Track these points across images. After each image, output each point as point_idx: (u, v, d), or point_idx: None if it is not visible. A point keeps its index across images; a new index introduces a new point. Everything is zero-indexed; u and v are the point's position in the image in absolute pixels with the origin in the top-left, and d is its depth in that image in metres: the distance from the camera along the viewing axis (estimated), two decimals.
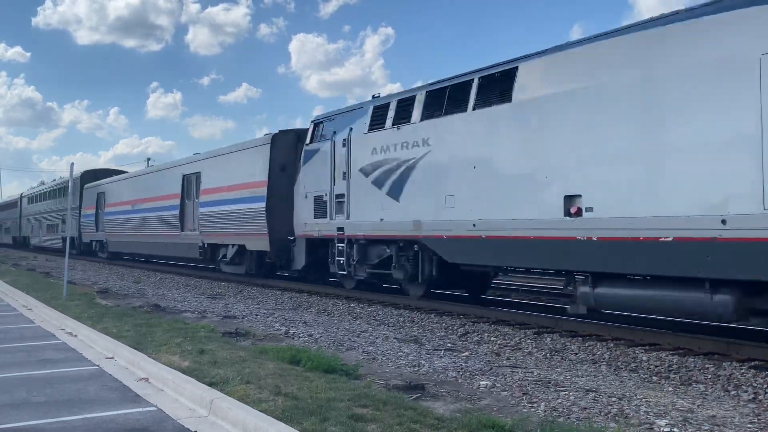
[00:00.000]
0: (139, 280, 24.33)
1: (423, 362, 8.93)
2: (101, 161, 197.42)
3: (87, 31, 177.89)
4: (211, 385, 7.04)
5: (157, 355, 8.83)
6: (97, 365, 8.86)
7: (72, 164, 17.84)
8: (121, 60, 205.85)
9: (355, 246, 16.76)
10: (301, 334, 11.29)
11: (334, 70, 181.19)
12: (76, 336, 11.13)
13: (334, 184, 17.24)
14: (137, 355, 8.86)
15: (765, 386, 8.00)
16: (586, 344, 10.76)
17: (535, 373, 8.39)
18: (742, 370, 8.69)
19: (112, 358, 9.20)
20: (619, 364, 9.54)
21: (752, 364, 8.94)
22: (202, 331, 10.85)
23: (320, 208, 17.84)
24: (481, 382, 7.70)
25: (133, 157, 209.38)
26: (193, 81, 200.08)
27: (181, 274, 27.57)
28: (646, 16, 12.24)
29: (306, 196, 18.50)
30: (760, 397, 7.64)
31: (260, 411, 5.97)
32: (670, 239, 9.40)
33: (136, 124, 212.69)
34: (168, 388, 7.38)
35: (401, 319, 14.05)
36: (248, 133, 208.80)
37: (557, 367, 9.21)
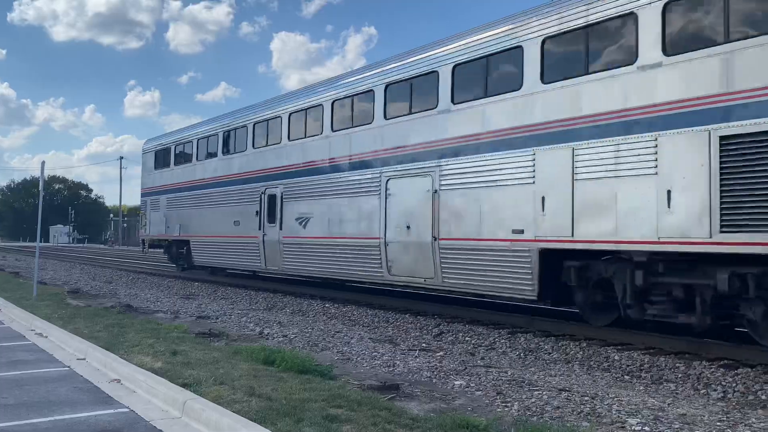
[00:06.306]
0: (111, 280, 24.06)
1: (398, 362, 8.94)
2: (74, 159, 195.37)
3: (64, 27, 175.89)
4: (184, 386, 6.98)
5: (129, 356, 8.74)
6: (68, 366, 8.74)
7: (43, 162, 17.54)
8: (99, 57, 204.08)
9: None
10: (276, 335, 11.24)
11: (315, 70, 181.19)
12: (46, 337, 10.97)
13: None
14: (109, 356, 8.76)
15: (734, 385, 8.14)
16: (560, 344, 10.85)
17: (509, 373, 8.44)
18: (712, 369, 8.83)
19: (84, 359, 9.09)
20: (591, 363, 9.64)
21: (722, 363, 9.08)
22: (175, 332, 10.76)
23: None
24: (456, 382, 7.73)
25: (108, 155, 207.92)
26: (172, 79, 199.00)
27: (153, 274, 27.30)
28: None
29: None
30: (729, 396, 7.77)
31: (234, 412, 5.94)
32: None
33: (113, 122, 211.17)
34: (140, 389, 7.30)
35: (376, 319, 14.06)
36: None
37: (531, 367, 9.27)
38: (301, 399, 6.37)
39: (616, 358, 9.77)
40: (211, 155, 22.48)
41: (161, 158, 26.33)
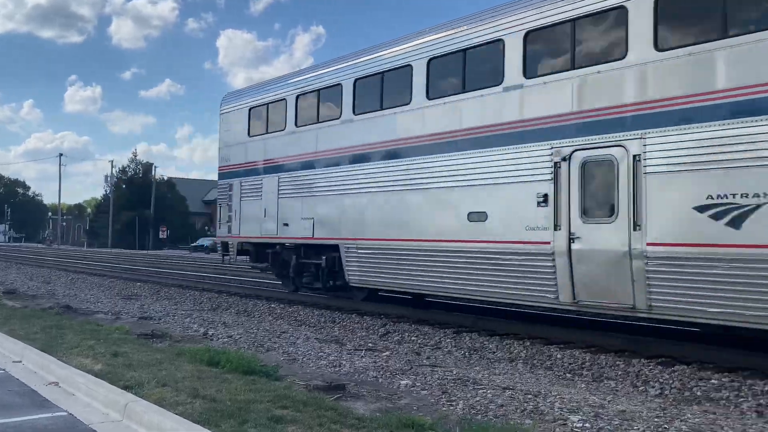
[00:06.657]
0: (50, 281, 23.38)
1: (344, 362, 8.92)
2: (11, 156, 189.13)
3: (0, 19, 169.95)
4: (125, 388, 6.83)
5: (68, 358, 8.50)
6: (3, 369, 8.46)
7: None
8: (38, 51, 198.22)
9: None
10: (221, 335, 11.10)
11: (263, 68, 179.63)
12: None
13: None
14: (47, 358, 8.51)
15: (671, 382, 8.39)
16: (504, 343, 11.00)
17: (455, 372, 8.52)
18: (650, 367, 9.08)
19: (20, 361, 8.81)
20: (535, 362, 9.80)
21: (659, 360, 9.34)
22: (116, 333, 10.52)
23: None
24: (402, 382, 7.75)
25: (47, 152, 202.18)
26: (115, 75, 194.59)
27: (93, 274, 26.66)
28: None
29: None
30: (666, 392, 8.01)
31: (177, 414, 5.84)
32: None
33: (52, 118, 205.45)
34: (80, 392, 7.11)
35: (322, 319, 14.02)
36: (170, 129, 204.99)
37: (476, 366, 9.38)
38: (246, 400, 6.30)
39: (559, 356, 9.96)
40: (394, 102, 13.42)
41: (266, 117, 17.23)
